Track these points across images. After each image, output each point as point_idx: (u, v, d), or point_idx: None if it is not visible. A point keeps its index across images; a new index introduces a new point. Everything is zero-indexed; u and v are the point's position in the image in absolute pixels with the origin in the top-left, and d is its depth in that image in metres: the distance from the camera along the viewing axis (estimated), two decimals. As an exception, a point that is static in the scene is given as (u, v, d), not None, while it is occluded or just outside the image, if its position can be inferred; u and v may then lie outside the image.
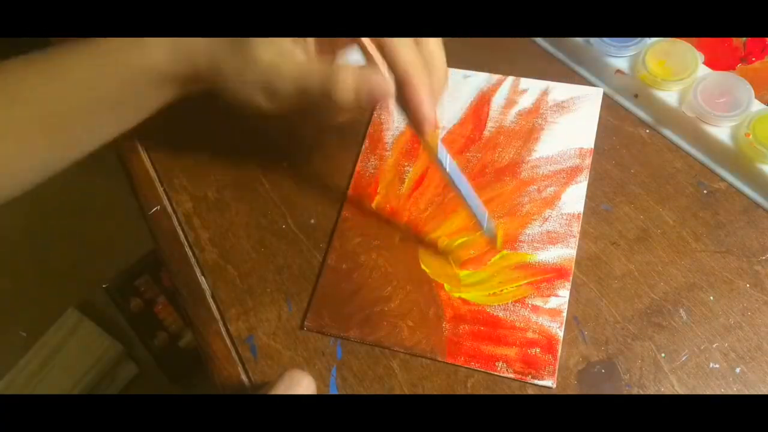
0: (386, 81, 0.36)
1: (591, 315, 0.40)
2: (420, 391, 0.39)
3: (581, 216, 0.43)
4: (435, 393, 0.39)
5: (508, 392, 0.38)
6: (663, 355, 0.38)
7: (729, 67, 0.45)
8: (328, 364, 0.40)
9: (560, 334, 0.39)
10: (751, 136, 0.40)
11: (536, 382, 0.38)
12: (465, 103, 0.48)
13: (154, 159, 0.50)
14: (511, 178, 0.45)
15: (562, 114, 0.46)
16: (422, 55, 0.37)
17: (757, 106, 0.41)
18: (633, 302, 0.40)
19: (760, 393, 0.36)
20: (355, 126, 0.49)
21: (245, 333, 0.42)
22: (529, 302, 0.40)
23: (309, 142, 0.49)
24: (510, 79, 0.48)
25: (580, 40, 0.47)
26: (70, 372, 1.16)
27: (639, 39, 0.45)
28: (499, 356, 0.39)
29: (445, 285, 0.42)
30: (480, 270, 0.42)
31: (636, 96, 0.45)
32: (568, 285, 0.40)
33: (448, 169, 0.38)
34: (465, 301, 0.41)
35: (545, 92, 0.47)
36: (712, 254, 0.40)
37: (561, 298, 0.40)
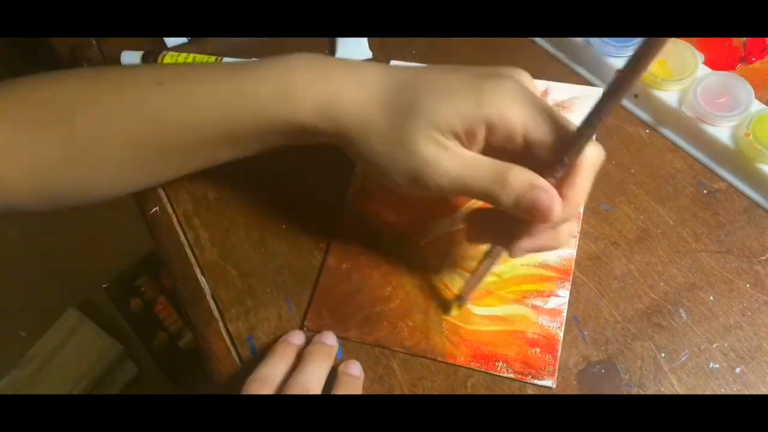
0: (555, 198, 0.31)
1: (591, 315, 0.40)
2: (420, 391, 0.39)
3: (581, 216, 0.42)
4: (435, 393, 0.39)
5: (508, 392, 0.38)
6: (663, 355, 0.38)
7: (729, 67, 0.45)
8: (328, 364, 0.40)
9: (560, 334, 0.39)
10: (751, 136, 0.40)
11: (536, 382, 0.38)
12: None
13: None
14: None
15: (565, 114, 0.46)
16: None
17: (757, 106, 0.41)
18: (633, 302, 0.40)
19: (760, 393, 0.36)
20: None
21: (245, 333, 0.42)
22: (529, 302, 0.40)
23: (309, 142, 0.49)
24: None
25: (580, 40, 0.47)
26: (70, 372, 1.16)
27: (639, 39, 0.45)
28: (499, 356, 0.39)
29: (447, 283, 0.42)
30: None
31: (636, 96, 0.45)
32: (568, 285, 0.40)
33: (487, 269, 0.37)
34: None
35: (545, 92, 0.47)
36: (712, 254, 0.40)
37: (561, 298, 0.40)
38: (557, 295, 0.40)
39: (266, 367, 0.38)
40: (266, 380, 0.37)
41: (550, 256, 0.41)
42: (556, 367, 0.38)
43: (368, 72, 0.35)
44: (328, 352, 0.39)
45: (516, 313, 0.40)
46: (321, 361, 0.38)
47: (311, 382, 0.37)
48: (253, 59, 0.37)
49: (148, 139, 0.37)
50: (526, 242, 0.33)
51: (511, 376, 0.38)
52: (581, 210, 0.42)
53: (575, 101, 0.47)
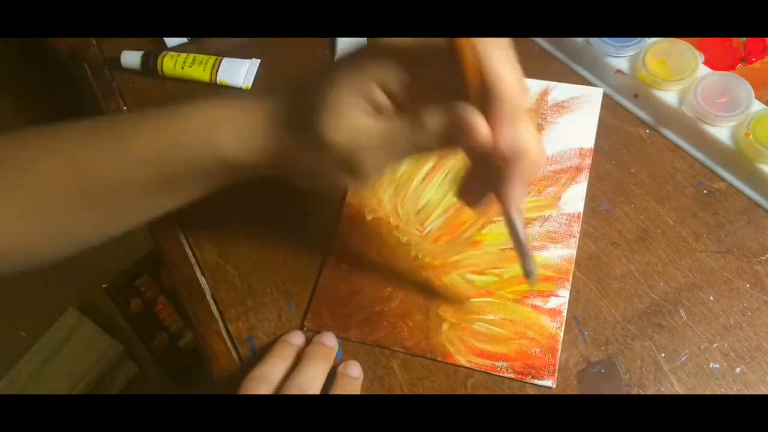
0: (479, 119, 0.30)
1: (591, 315, 0.40)
2: (420, 391, 0.39)
3: (581, 216, 0.42)
4: (435, 393, 0.39)
5: (508, 392, 0.38)
6: (663, 355, 0.38)
7: (729, 67, 0.45)
8: (328, 364, 0.40)
9: (560, 334, 0.39)
10: (751, 136, 0.40)
11: (536, 382, 0.38)
12: None
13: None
14: None
15: (562, 114, 0.46)
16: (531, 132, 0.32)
17: (757, 106, 0.41)
18: (633, 302, 0.40)
19: (760, 393, 0.36)
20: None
21: (245, 333, 0.42)
22: (529, 302, 0.40)
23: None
24: None
25: (580, 40, 0.47)
26: (70, 372, 1.16)
27: (639, 39, 0.45)
28: (499, 356, 0.39)
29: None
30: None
31: (636, 96, 0.45)
32: (568, 285, 0.40)
33: (519, 232, 0.35)
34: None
35: (545, 92, 0.47)
36: (712, 254, 0.40)
37: (561, 298, 0.40)
38: (557, 295, 0.40)
39: (265, 366, 0.38)
40: (264, 379, 0.37)
41: (551, 256, 0.41)
42: (556, 367, 0.38)
43: (263, 100, 0.35)
44: (328, 353, 0.39)
45: (516, 312, 0.40)
46: (320, 362, 0.38)
47: (309, 383, 0.37)
48: (172, 107, 0.37)
49: (87, 191, 0.37)
50: (509, 182, 0.32)
51: (511, 376, 0.38)
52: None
53: (575, 101, 0.47)
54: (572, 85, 0.47)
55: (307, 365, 0.38)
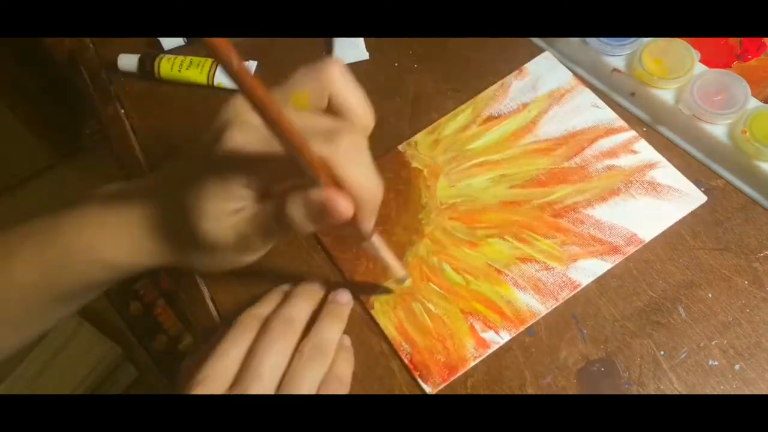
0: (340, 201, 0.30)
1: (590, 313, 0.40)
2: (420, 391, 0.39)
3: (577, 289, 0.40)
4: (437, 381, 0.39)
5: (508, 392, 0.38)
6: (662, 352, 0.38)
7: (725, 65, 0.45)
8: (327, 365, 0.40)
9: (470, 364, 0.39)
10: (747, 134, 0.40)
11: (420, 380, 0.39)
12: (575, 127, 0.45)
13: (153, 161, 0.50)
14: (551, 216, 0.42)
15: (648, 194, 0.42)
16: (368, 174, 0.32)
17: (753, 103, 0.42)
18: (632, 300, 0.40)
19: (759, 390, 0.36)
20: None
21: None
22: (471, 319, 0.40)
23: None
24: (631, 133, 0.44)
25: (576, 39, 0.47)
26: (69, 376, 1.16)
27: (635, 38, 0.45)
28: (410, 340, 0.40)
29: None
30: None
31: (633, 94, 0.46)
32: (513, 333, 0.39)
33: (383, 255, 0.38)
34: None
35: (650, 165, 0.43)
36: (710, 252, 0.40)
37: (499, 339, 0.39)
38: (498, 334, 0.39)
39: (262, 307, 0.40)
40: (258, 317, 0.39)
41: (523, 299, 0.40)
42: (445, 383, 0.38)
43: (141, 203, 0.36)
44: (343, 311, 0.41)
45: (453, 318, 0.40)
46: (334, 320, 0.40)
47: (324, 341, 0.38)
48: (49, 220, 0.37)
49: None
50: (361, 224, 0.33)
51: (406, 361, 0.39)
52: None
53: (671, 191, 0.42)
54: (679, 174, 0.43)
55: (322, 321, 0.39)
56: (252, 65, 0.52)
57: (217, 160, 0.32)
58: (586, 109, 0.46)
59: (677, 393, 0.37)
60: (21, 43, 1.16)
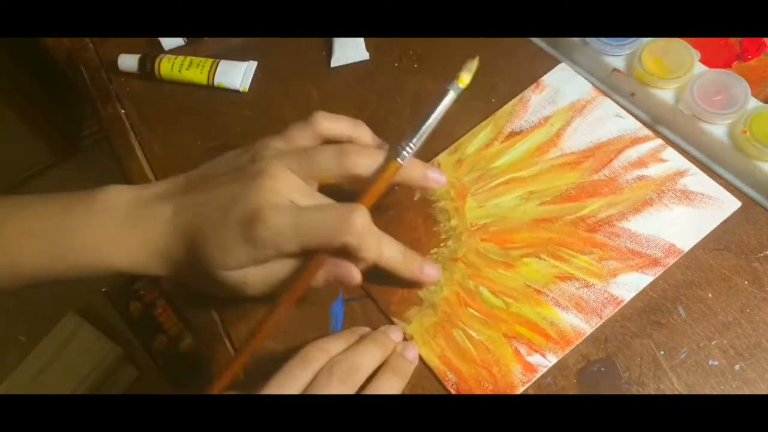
0: (353, 271, 0.36)
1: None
2: (420, 391, 0.39)
3: (622, 304, 0.39)
4: (435, 393, 0.39)
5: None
6: (662, 352, 0.38)
7: (725, 64, 0.45)
8: (327, 365, 0.40)
9: (520, 389, 0.38)
10: (747, 134, 0.40)
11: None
12: (599, 139, 0.45)
13: (152, 162, 0.50)
14: (587, 231, 0.42)
15: (682, 202, 0.41)
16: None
17: (753, 103, 0.42)
18: (632, 300, 0.40)
19: (759, 390, 0.36)
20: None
21: (245, 335, 0.42)
22: (515, 343, 0.39)
23: (307, 144, 0.49)
24: (657, 141, 0.44)
25: (576, 39, 0.47)
26: (69, 376, 1.16)
27: (635, 38, 0.45)
28: (455, 369, 0.38)
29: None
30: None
31: (633, 94, 0.46)
32: (560, 354, 0.38)
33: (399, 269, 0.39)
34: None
35: (680, 173, 0.42)
36: (710, 252, 0.40)
37: (546, 362, 0.38)
38: (545, 357, 0.38)
39: (333, 344, 0.38)
40: (326, 350, 0.37)
41: (566, 319, 0.39)
42: None
43: (154, 220, 0.38)
44: (407, 368, 0.39)
45: (497, 344, 0.39)
46: (395, 379, 0.38)
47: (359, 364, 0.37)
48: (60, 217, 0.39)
49: None
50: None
51: (452, 390, 0.38)
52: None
53: (704, 198, 0.42)
54: (713, 183, 0.42)
55: (383, 376, 0.37)
56: (252, 65, 0.52)
57: (247, 229, 0.35)
58: (609, 120, 0.45)
59: (677, 393, 0.37)
60: (21, 43, 1.16)
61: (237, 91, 0.51)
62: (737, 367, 0.37)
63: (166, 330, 1.19)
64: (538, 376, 0.38)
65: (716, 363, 0.37)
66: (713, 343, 0.38)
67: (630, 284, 0.40)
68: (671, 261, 0.40)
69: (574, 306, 0.39)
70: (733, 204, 0.41)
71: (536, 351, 0.38)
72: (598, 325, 0.39)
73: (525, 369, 0.38)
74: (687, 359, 0.38)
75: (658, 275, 0.40)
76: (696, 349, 0.38)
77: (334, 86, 0.51)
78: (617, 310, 0.39)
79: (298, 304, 0.37)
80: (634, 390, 0.37)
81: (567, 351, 0.38)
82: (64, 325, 1.21)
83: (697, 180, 0.42)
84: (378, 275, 0.39)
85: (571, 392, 0.38)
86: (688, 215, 0.41)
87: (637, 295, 0.39)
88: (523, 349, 0.39)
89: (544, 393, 0.38)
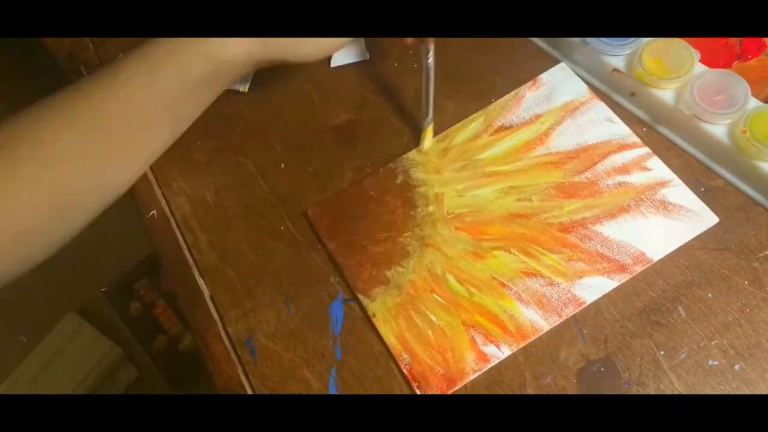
0: None
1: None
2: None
3: (582, 306, 0.40)
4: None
5: (508, 392, 0.38)
6: (662, 352, 0.38)
7: (725, 64, 0.45)
8: (327, 365, 0.40)
9: (470, 377, 0.38)
10: (748, 133, 0.40)
11: (418, 392, 0.38)
12: (587, 141, 0.45)
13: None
14: (560, 231, 0.42)
15: (659, 213, 0.41)
16: None
17: (753, 103, 0.42)
18: (632, 300, 0.40)
19: (759, 390, 0.36)
20: (353, 128, 0.49)
21: (244, 335, 0.42)
22: (473, 332, 0.40)
23: (306, 144, 0.49)
24: (644, 150, 0.44)
25: (576, 39, 0.47)
26: (69, 376, 1.16)
27: (635, 38, 0.45)
28: (411, 350, 0.40)
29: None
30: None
31: (633, 94, 0.46)
32: (515, 348, 0.39)
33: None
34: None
35: (662, 183, 0.42)
36: (710, 251, 0.40)
37: (500, 353, 0.39)
38: (499, 349, 0.39)
39: None
40: None
41: (526, 314, 0.40)
42: (445, 394, 0.38)
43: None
44: None
45: (455, 331, 0.40)
46: None
47: None
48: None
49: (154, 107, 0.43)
50: None
51: (405, 371, 0.39)
52: None
53: (682, 211, 0.42)
54: (694, 196, 0.42)
55: None
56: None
57: None
58: (600, 123, 0.45)
59: (677, 393, 0.37)
60: (21, 43, 1.16)
61: (237, 91, 0.51)
62: (737, 367, 0.37)
63: (166, 330, 1.19)
64: (489, 366, 0.39)
65: (716, 363, 0.37)
66: (713, 343, 0.38)
67: (594, 287, 0.40)
68: (639, 269, 0.40)
69: (535, 302, 0.40)
70: (710, 219, 0.41)
71: (492, 342, 0.39)
72: (557, 323, 0.39)
73: (478, 358, 0.39)
74: (687, 359, 0.38)
75: (624, 281, 0.40)
76: (696, 349, 0.38)
77: (334, 86, 0.51)
78: (577, 311, 0.40)
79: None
80: (634, 390, 0.37)
81: (522, 345, 0.39)
82: (64, 326, 1.21)
83: (677, 192, 0.42)
84: (351, 251, 0.42)
85: (571, 392, 0.38)
86: (663, 226, 0.41)
87: (637, 295, 0.40)
88: (479, 339, 0.39)
89: (544, 393, 0.38)
